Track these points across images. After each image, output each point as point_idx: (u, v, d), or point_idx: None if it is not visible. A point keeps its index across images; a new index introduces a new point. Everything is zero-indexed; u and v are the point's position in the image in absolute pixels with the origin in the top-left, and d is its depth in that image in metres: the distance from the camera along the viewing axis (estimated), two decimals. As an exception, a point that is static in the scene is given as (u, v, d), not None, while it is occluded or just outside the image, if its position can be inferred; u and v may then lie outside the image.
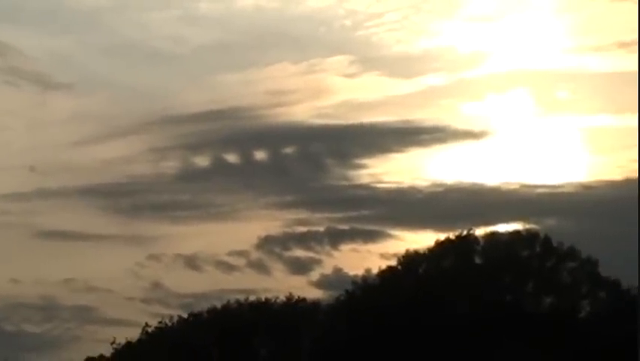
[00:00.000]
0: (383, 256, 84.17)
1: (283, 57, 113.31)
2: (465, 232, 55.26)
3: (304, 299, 59.71)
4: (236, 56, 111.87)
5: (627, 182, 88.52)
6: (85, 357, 63.78)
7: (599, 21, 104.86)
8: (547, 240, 53.87)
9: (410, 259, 56.01)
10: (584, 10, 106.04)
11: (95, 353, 62.50)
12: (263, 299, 59.13)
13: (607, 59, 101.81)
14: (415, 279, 54.95)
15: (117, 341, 59.14)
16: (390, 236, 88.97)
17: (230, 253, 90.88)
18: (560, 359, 49.28)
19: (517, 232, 56.14)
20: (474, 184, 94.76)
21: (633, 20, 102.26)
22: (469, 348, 49.87)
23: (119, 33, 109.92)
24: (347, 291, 56.78)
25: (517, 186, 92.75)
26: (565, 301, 53.41)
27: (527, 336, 48.82)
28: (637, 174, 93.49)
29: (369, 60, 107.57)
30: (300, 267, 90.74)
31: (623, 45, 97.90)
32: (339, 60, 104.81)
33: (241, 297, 60.53)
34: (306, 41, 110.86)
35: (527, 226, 58.38)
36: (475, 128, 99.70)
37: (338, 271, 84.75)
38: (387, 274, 56.37)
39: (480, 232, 55.46)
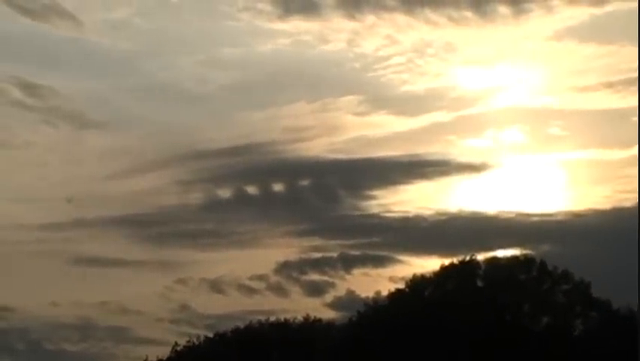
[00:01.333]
0: (392, 279, 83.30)
1: (299, 97, 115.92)
2: (467, 258, 57.02)
3: (320, 320, 62.55)
4: (256, 95, 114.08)
5: (614, 210, 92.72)
6: None
7: (587, 64, 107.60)
8: (542, 264, 55.99)
9: (417, 283, 57.81)
10: (573, 55, 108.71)
11: None
12: (282, 320, 62.03)
13: (594, 98, 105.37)
14: (421, 301, 56.39)
15: (149, 359, 62.06)
16: (398, 261, 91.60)
17: (251, 278, 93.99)
18: None
19: (515, 257, 58.06)
20: (475, 213, 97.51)
21: (618, 63, 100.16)
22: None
23: (149, 75, 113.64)
24: (358, 312, 58.20)
25: (513, 215, 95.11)
26: (560, 321, 55.24)
27: (525, 353, 50.35)
28: (624, 204, 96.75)
29: (378, 100, 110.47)
30: (315, 290, 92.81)
31: (608, 85, 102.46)
32: (350, 100, 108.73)
33: (262, 318, 63.17)
34: (320, 82, 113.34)
35: (524, 252, 60.04)
36: (476, 161, 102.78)
37: (350, 293, 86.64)
38: (396, 296, 58.14)
39: (481, 257, 56.69)
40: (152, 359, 61.30)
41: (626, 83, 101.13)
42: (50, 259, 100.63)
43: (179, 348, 61.16)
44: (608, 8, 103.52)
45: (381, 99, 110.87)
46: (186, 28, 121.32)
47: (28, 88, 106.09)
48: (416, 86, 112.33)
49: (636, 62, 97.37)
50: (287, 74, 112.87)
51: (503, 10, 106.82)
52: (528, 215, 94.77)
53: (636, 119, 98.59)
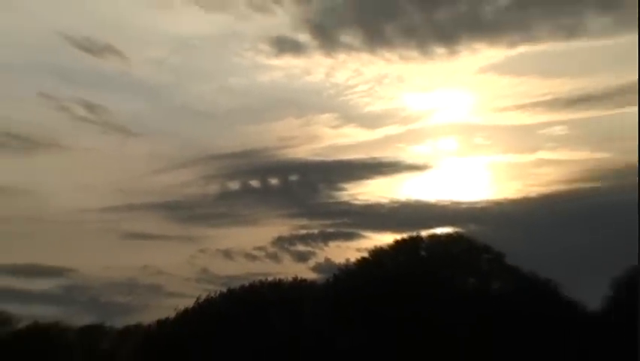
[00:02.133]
0: (358, 250, 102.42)
1: (289, 114, 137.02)
2: (414, 234, 66.57)
3: (305, 280, 70.72)
4: (256, 113, 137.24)
5: (524, 199, 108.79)
6: (156, 319, 73.90)
7: (503, 91, 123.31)
8: (470, 239, 65.60)
9: (377, 253, 67.34)
10: (493, 84, 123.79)
11: (163, 317, 72.17)
12: (277, 280, 69.55)
13: (509, 117, 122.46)
14: (380, 266, 66.02)
15: (179, 308, 69.54)
16: (362, 236, 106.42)
17: (253, 248, 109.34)
18: (479, 320, 58.22)
19: (449, 234, 67.74)
20: (419, 201, 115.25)
21: (527, 91, 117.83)
22: (414, 307, 57.58)
23: (177, 98, 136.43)
24: (334, 275, 67.78)
25: (448, 203, 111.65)
26: (483, 282, 63.88)
27: (457, 306, 59.16)
28: (530, 195, 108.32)
29: (348, 117, 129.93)
30: (301, 257, 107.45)
31: (520, 107, 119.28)
32: (328, 116, 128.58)
33: (262, 278, 71.11)
34: (305, 103, 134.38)
35: (456, 230, 69.98)
36: (419, 162, 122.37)
37: (327, 260, 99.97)
38: (362, 263, 67.54)
39: (424, 233, 66.58)
40: (181, 308, 69.77)
41: (533, 105, 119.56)
42: (106, 234, 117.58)
43: (200, 301, 69.10)
44: (520, 50, 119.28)
45: (350, 116, 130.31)
46: (204, 63, 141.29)
47: (89, 107, 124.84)
48: (376, 106, 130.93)
49: (540, 90, 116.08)
50: (280, 98, 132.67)
51: (440, 50, 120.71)
52: (459, 203, 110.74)
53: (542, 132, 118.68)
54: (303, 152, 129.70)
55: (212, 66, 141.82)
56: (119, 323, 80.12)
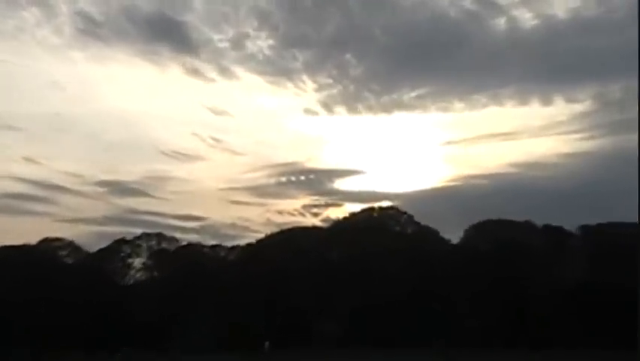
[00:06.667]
0: (342, 212, 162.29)
1: (311, 147, 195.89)
2: (370, 205, 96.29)
3: (317, 226, 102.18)
4: (296, 145, 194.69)
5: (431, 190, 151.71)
6: (247, 243, 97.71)
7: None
8: (398, 208, 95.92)
9: (351, 214, 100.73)
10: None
11: (250, 242, 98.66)
12: (305, 226, 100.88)
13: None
14: (353, 221, 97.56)
15: (258, 238, 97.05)
16: (343, 205, 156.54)
17: (293, 210, 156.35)
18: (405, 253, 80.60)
19: (389, 206, 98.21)
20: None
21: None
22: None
23: (258, 136, 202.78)
24: (331, 225, 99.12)
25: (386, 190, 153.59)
26: (404, 230, 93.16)
27: (393, 245, 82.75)
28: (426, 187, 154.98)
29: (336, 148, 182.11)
30: (316, 215, 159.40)
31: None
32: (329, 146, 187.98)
33: (297, 225, 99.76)
34: (318, 140, 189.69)
35: (391, 203, 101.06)
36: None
37: (328, 217, 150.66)
38: (345, 219, 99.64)
39: (375, 205, 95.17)
40: (258, 238, 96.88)
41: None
42: (221, 201, 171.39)
43: (267, 235, 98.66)
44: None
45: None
46: (270, 126, 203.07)
47: (214, 139, 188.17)
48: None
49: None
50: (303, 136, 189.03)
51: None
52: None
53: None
54: (317, 163, 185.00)
55: (274, 121, 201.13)
56: (229, 244, 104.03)
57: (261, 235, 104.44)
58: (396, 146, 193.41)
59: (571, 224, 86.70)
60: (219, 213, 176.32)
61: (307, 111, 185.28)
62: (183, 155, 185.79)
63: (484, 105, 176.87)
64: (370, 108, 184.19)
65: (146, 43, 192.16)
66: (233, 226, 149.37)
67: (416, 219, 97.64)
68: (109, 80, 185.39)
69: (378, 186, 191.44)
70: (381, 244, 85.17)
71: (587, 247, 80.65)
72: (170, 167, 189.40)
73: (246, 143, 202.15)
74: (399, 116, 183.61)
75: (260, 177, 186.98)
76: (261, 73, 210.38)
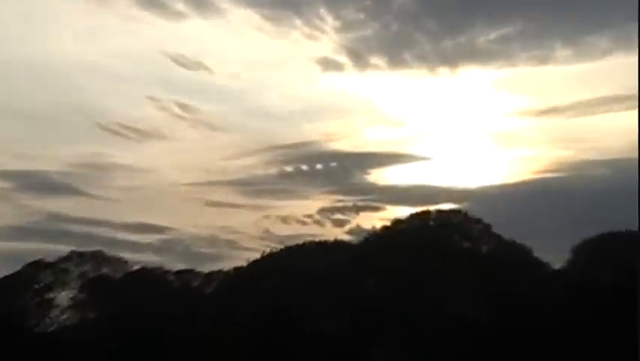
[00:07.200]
0: (381, 219, 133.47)
1: (332, 116, 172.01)
2: (425, 208, 79.21)
3: (342, 241, 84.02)
4: (307, 115, 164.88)
5: (506, 185, 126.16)
6: (233, 266, 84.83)
7: (492, 102, 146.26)
8: (465, 213, 78.34)
9: (397, 222, 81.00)
10: (484, 97, 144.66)
11: (238, 265, 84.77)
12: (322, 240, 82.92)
13: (495, 122, 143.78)
14: (401, 233, 78.87)
15: (249, 259, 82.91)
16: (385, 209, 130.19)
17: (304, 216, 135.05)
18: (471, 274, 66.84)
19: (451, 209, 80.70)
20: (428, 184, 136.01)
21: (511, 102, 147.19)
22: (424, 262, 68.38)
23: (249, 103, 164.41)
24: (364, 238, 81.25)
25: (449, 186, 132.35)
26: (475, 245, 75.75)
27: (455, 261, 68.33)
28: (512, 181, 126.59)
29: (376, 119, 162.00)
30: (339, 224, 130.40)
31: (505, 115, 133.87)
32: (361, 118, 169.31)
33: (310, 238, 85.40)
34: (344, 108, 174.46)
35: (456, 206, 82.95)
36: (428, 155, 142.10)
37: (359, 226, 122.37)
38: (385, 229, 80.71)
39: (432, 208, 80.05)
40: (251, 259, 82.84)
41: (515, 113, 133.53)
42: (195, 201, 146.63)
43: (265, 254, 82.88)
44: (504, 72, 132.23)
45: (378, 119, 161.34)
46: (269, 76, 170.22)
47: (183, 107, 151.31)
48: (396, 112, 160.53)
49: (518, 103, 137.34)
50: (325, 103, 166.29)
51: (444, 70, 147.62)
52: (457, 186, 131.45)
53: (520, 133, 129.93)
54: (341, 145, 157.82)
55: (275, 79, 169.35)
56: (205, 268, 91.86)
57: (256, 255, 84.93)
58: (462, 117, 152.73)
59: None
60: (190, 221, 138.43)
61: (326, 64, 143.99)
62: (134, 131, 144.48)
63: (603, 53, 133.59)
64: (423, 59, 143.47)
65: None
66: (212, 240, 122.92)
67: (495, 230, 76.94)
68: (21, 18, 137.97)
69: (437, 178, 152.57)
70: (443, 268, 68.49)
71: None
72: (113, 149, 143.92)
73: (231, 112, 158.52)
74: (467, 71, 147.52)
75: (253, 166, 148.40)
76: (257, 5, 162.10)
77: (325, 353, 65.41)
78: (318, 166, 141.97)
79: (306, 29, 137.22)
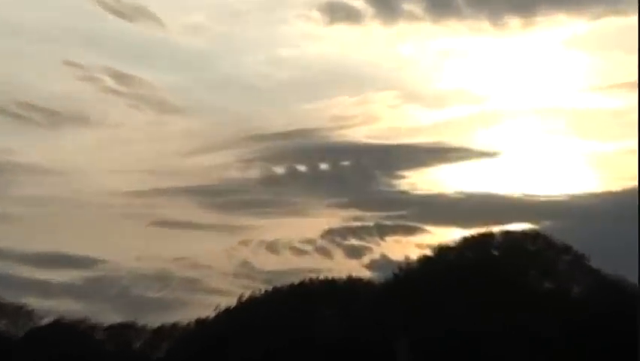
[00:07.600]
0: (419, 246, 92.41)
1: (343, 91, 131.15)
2: (485, 230, 64.02)
3: (360, 279, 68.92)
4: (306, 89, 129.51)
5: (609, 194, 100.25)
6: (195, 318, 70.98)
7: (585, 69, 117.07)
8: (547, 237, 63.05)
9: (442, 250, 65.53)
10: (574, 61, 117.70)
11: (201, 315, 70.95)
12: (329, 278, 67.93)
13: (592, 99, 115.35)
14: (446, 265, 63.06)
15: (219, 307, 67.39)
16: (425, 231, 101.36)
17: (301, 241, 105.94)
18: (561, 327, 56.14)
19: (524, 231, 65.42)
20: (489, 192, 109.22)
21: (614, 69, 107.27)
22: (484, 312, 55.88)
23: (219, 70, 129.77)
24: (393, 274, 65.04)
25: (522, 196, 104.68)
26: (562, 284, 61.40)
27: (531, 309, 56.63)
28: (619, 189, 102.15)
29: (410, 95, 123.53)
30: (354, 253, 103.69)
31: (604, 88, 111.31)
32: (387, 94, 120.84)
33: (312, 275, 69.52)
34: (361, 79, 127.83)
35: (532, 226, 66.70)
36: (491, 149, 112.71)
37: (384, 256, 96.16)
38: (424, 260, 65.47)
39: (496, 229, 63.02)
40: (222, 307, 67.13)
41: (620, 86, 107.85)
42: (136, 220, 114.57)
43: (243, 299, 67.67)
44: (605, 22, 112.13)
45: (412, 95, 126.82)
46: (249, 31, 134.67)
47: (119, 77, 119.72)
48: (441, 84, 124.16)
49: (629, 69, 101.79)
50: (333, 72, 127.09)
51: (515, 21, 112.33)
52: (535, 196, 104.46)
53: (630, 117, 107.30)
54: (358, 134, 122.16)
55: (257, 35, 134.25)
56: (153, 321, 77.47)
57: (230, 301, 70.70)
58: (539, 92, 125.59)
59: None
60: (130, 250, 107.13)
61: (335, 11, 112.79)
62: (44, 113, 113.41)
63: None
64: (480, 4, 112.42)
65: None
66: (162, 278, 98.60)
67: (593, 263, 61.16)
68: None
69: (503, 184, 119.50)
70: (514, 320, 56.04)
71: None
72: (12, 142, 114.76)
73: (192, 85, 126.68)
74: (547, 24, 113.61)
75: (225, 166, 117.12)
76: None
77: None
78: (323, 166, 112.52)
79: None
